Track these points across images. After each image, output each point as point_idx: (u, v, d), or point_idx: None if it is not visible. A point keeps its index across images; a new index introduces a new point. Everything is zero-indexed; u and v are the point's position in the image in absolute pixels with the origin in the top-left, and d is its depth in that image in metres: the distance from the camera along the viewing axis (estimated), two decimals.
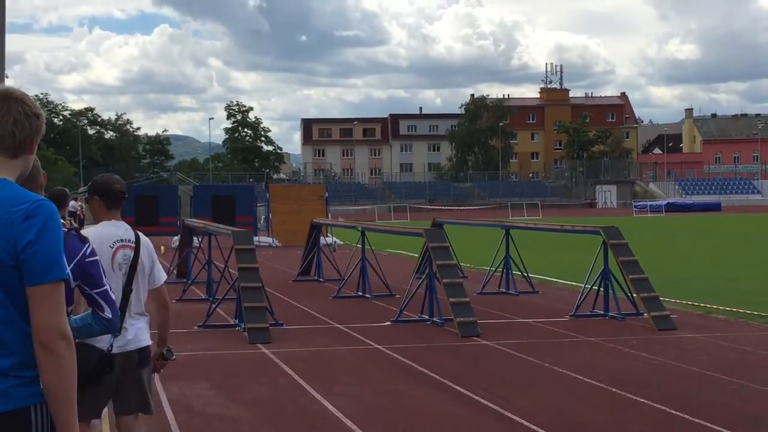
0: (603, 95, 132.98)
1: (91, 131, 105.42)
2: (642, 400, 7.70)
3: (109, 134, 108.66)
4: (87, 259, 3.35)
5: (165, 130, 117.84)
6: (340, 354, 10.35)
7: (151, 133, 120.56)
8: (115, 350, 4.43)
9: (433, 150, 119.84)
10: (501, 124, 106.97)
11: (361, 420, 7.11)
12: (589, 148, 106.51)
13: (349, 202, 78.67)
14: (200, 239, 17.12)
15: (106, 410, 7.55)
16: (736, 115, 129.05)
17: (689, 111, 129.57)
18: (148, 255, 4.89)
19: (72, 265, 3.09)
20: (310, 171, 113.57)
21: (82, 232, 3.73)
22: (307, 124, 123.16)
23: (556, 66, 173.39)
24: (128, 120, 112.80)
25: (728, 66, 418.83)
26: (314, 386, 8.38)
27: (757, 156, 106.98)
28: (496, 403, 7.63)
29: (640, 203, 72.40)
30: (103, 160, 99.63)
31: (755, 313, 12.88)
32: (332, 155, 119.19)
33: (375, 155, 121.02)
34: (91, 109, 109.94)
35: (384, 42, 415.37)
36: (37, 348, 2.51)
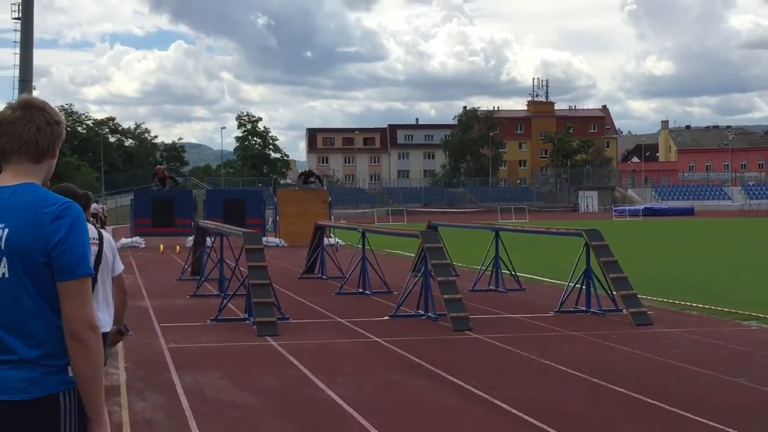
0: (585, 108, 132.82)
1: (112, 139, 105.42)
2: (621, 390, 7.69)
3: (128, 142, 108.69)
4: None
5: (180, 139, 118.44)
6: (342, 346, 10.33)
7: (168, 141, 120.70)
8: None
9: (429, 158, 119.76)
10: (491, 134, 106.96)
11: (362, 408, 7.10)
12: (572, 156, 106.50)
13: (351, 206, 78.65)
14: (213, 239, 17.11)
15: (126, 398, 7.56)
16: (708, 127, 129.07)
17: (665, 123, 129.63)
18: (110, 249, 5.29)
19: None
20: None
21: None
22: (312, 134, 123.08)
23: (542, 80, 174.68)
24: (146, 129, 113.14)
25: (701, 81, 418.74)
26: (318, 376, 8.37)
27: (727, 165, 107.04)
28: (486, 392, 7.62)
29: (620, 208, 72.38)
30: (123, 166, 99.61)
31: (726, 309, 12.88)
32: (335, 162, 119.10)
33: (375, 162, 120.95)
34: (112, 119, 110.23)
35: (383, 58, 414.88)
36: (68, 338, 2.52)
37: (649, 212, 69.10)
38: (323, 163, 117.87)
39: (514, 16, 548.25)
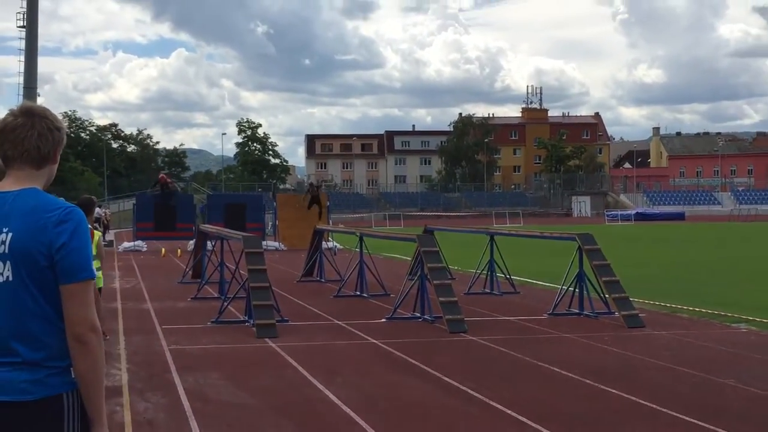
0: (578, 115, 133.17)
1: (114, 145, 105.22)
2: (613, 390, 7.69)
3: (131, 148, 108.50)
4: None
5: (181, 144, 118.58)
6: (340, 348, 10.33)
7: (169, 146, 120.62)
8: None
9: (425, 163, 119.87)
10: (486, 140, 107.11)
11: (360, 408, 7.10)
12: (565, 162, 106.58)
13: (349, 210, 78.56)
14: (213, 243, 17.09)
15: (127, 398, 7.55)
16: (698, 134, 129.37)
17: (656, 129, 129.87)
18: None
19: None
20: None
21: None
22: (311, 140, 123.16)
23: (536, 88, 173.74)
24: (148, 135, 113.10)
25: (692, 89, 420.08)
26: (317, 377, 8.36)
27: (717, 170, 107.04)
28: (481, 393, 7.62)
29: (612, 213, 72.37)
30: (126, 171, 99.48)
31: (716, 312, 12.88)
32: (333, 168, 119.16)
33: (372, 168, 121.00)
34: (115, 125, 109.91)
35: (380, 65, 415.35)
36: (71, 340, 2.52)
37: (641, 217, 69.04)
38: (322, 168, 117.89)
39: (508, 25, 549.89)
